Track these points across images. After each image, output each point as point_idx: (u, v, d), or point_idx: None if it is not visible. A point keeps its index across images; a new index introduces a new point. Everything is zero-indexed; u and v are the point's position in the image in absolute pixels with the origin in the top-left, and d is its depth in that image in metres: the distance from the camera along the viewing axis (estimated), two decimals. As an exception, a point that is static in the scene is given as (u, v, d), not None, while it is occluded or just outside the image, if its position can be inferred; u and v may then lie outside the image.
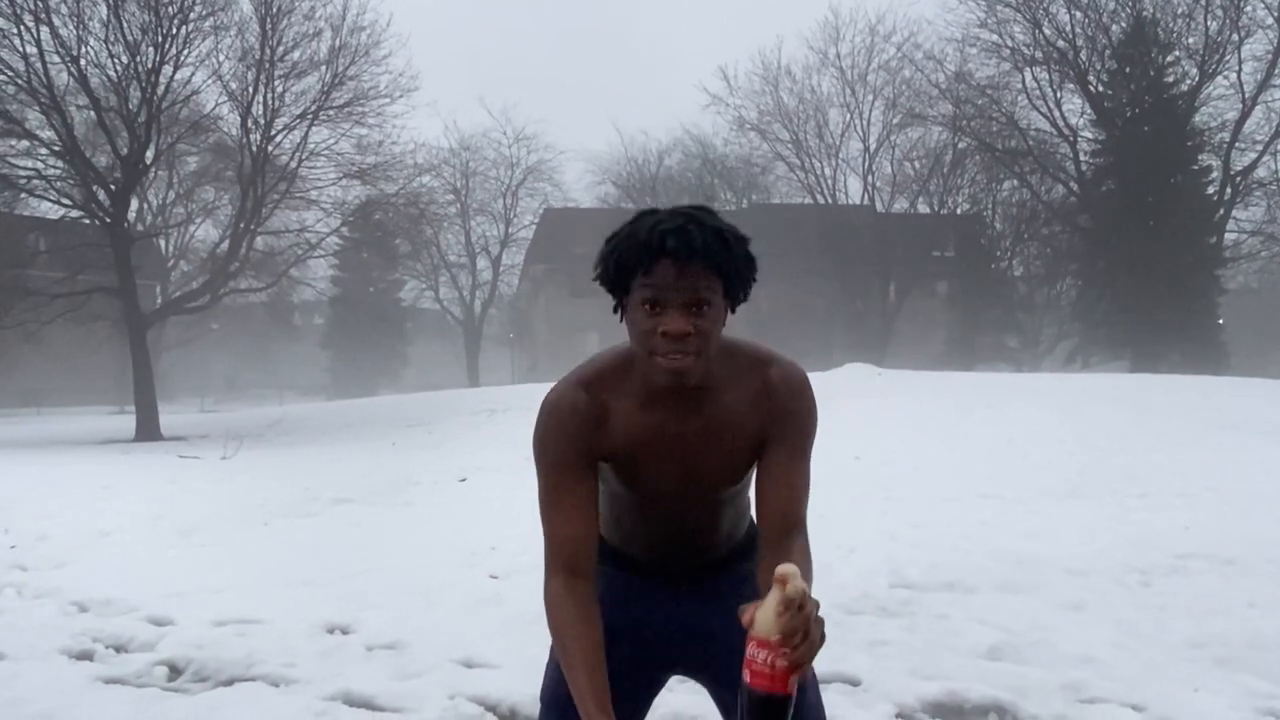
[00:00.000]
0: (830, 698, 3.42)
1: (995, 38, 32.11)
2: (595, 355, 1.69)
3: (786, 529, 1.58)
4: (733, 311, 1.57)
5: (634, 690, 1.72)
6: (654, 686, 1.79)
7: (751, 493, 1.72)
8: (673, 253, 1.46)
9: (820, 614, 1.25)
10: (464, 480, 9.39)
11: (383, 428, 15.95)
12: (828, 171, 39.52)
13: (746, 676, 1.23)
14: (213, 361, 46.63)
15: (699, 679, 1.78)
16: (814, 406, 1.66)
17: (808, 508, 1.63)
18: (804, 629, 1.21)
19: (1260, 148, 30.70)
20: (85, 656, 4.09)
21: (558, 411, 1.61)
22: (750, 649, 1.22)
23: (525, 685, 3.50)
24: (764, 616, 1.21)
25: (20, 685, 3.64)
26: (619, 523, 1.75)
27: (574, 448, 1.60)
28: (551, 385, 1.71)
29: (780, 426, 1.62)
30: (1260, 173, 30.92)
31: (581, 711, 1.49)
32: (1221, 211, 31.22)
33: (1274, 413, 11.89)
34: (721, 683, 1.70)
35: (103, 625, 4.47)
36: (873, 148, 38.85)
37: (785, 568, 1.22)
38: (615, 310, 1.58)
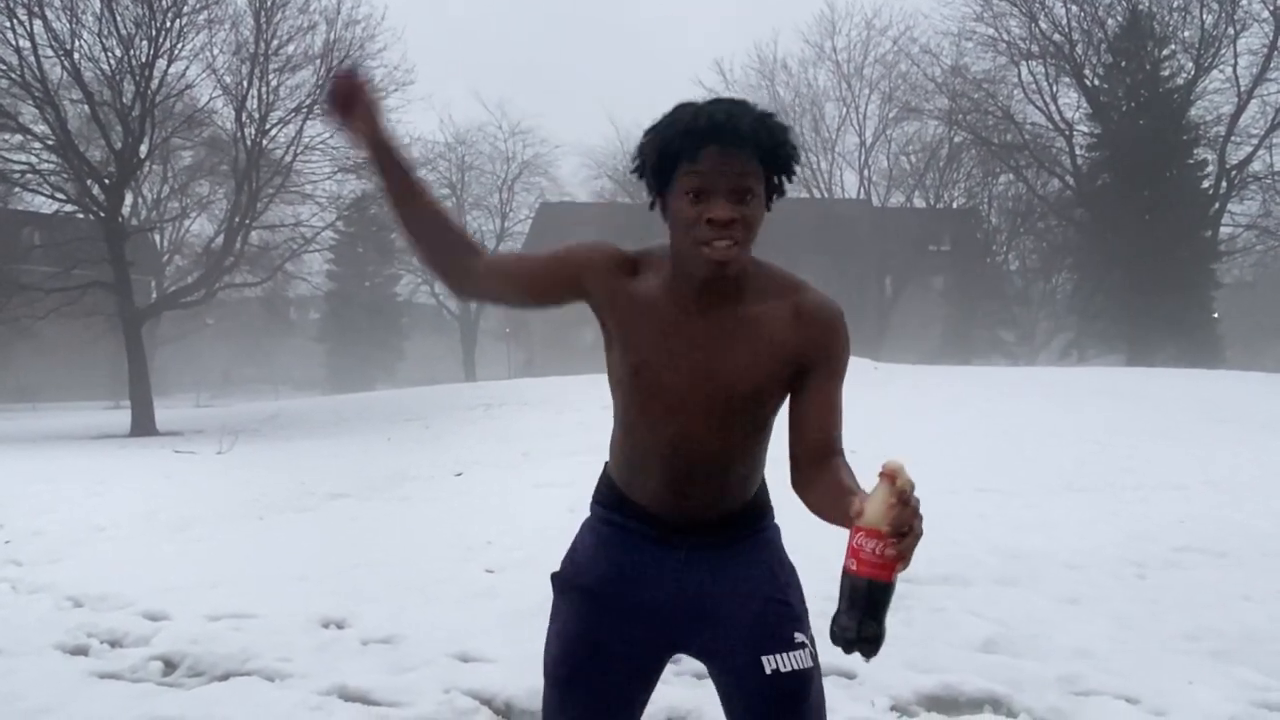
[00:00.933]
0: (826, 690, 3.42)
1: (991, 31, 32.19)
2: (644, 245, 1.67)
3: (828, 452, 1.57)
4: (768, 207, 1.56)
5: (639, 670, 1.71)
6: (659, 666, 1.75)
7: (765, 461, 1.72)
8: (720, 138, 1.45)
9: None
10: (460, 475, 9.38)
11: (379, 422, 15.93)
12: (824, 165, 39.63)
13: (853, 565, 1.28)
14: (208, 356, 46.52)
15: (702, 660, 1.74)
16: (848, 337, 1.64)
17: (842, 433, 1.62)
18: (910, 521, 1.26)
19: (1255, 142, 30.80)
20: (80, 651, 4.07)
21: (597, 244, 1.63)
22: (858, 538, 1.27)
23: (521, 679, 3.50)
24: (874, 509, 1.26)
25: (15, 680, 3.63)
26: (632, 450, 1.68)
27: (587, 260, 1.61)
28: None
29: (820, 351, 1.60)
30: (1255, 166, 31.01)
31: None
32: (1217, 205, 31.29)
33: (1269, 406, 11.92)
34: (725, 668, 1.66)
35: (97, 620, 4.45)
36: (869, 142, 38.98)
37: (893, 462, 1.27)
38: (652, 206, 1.57)
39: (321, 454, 11.98)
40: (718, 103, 1.50)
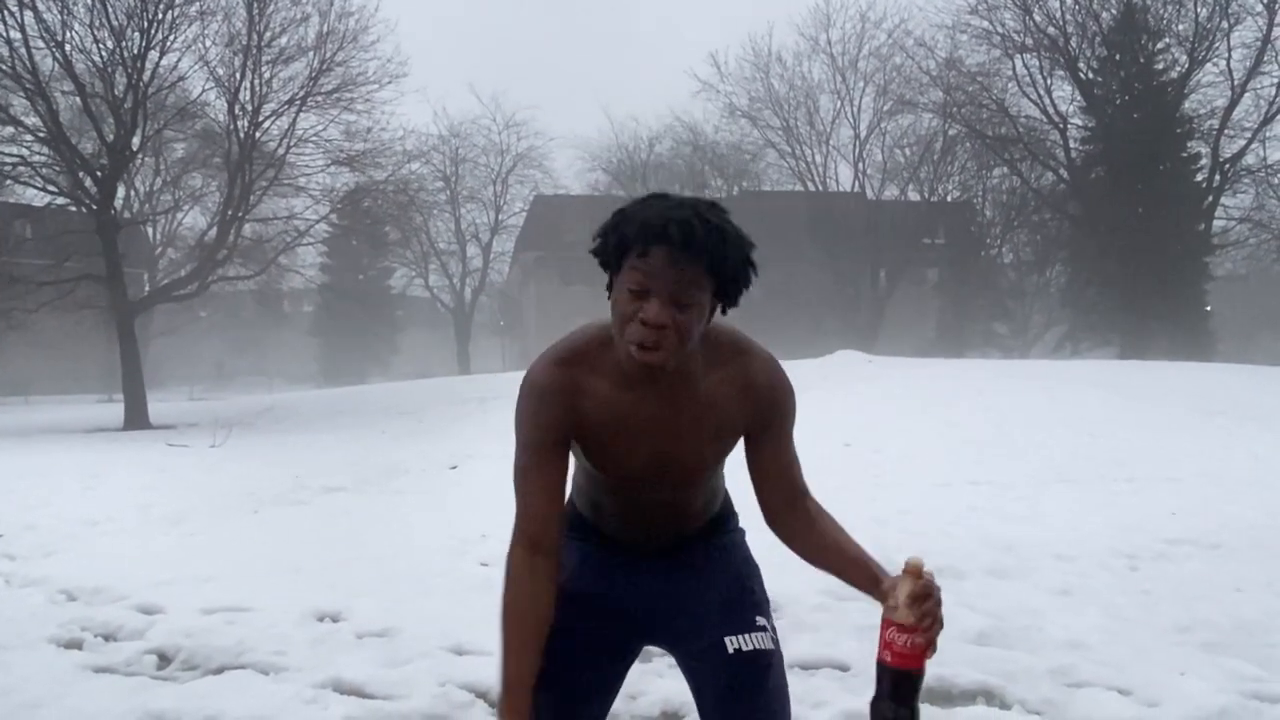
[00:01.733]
0: (820, 682, 3.45)
1: (986, 24, 32.07)
2: (579, 329, 1.67)
3: (795, 495, 1.67)
4: (724, 312, 1.58)
5: (602, 660, 1.76)
6: (626, 657, 1.81)
7: (724, 476, 1.80)
8: (671, 241, 1.44)
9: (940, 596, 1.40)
10: (454, 468, 9.38)
11: (373, 416, 15.92)
12: (818, 159, 39.55)
13: (888, 658, 1.42)
14: (201, 349, 46.40)
15: (669, 650, 1.80)
16: (792, 391, 1.70)
17: (803, 476, 1.70)
18: (935, 613, 1.39)
19: (1249, 135, 30.75)
20: (74, 645, 4.07)
21: (535, 391, 1.61)
22: (890, 633, 1.41)
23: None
24: (901, 605, 1.40)
25: (8, 674, 3.63)
26: (595, 502, 1.77)
27: (548, 428, 1.60)
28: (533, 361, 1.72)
29: (767, 418, 1.65)
30: (1249, 160, 30.96)
31: (507, 697, 1.55)
32: (1210, 198, 31.29)
33: (1261, 398, 11.97)
34: (691, 652, 1.73)
35: (91, 614, 4.45)
36: (863, 135, 38.85)
37: (915, 560, 1.40)
38: (608, 288, 1.56)
39: (315, 447, 11.98)
40: (684, 204, 1.48)
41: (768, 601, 1.79)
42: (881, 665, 1.43)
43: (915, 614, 1.38)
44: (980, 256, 37.19)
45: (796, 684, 3.44)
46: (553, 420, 1.60)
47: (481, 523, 6.27)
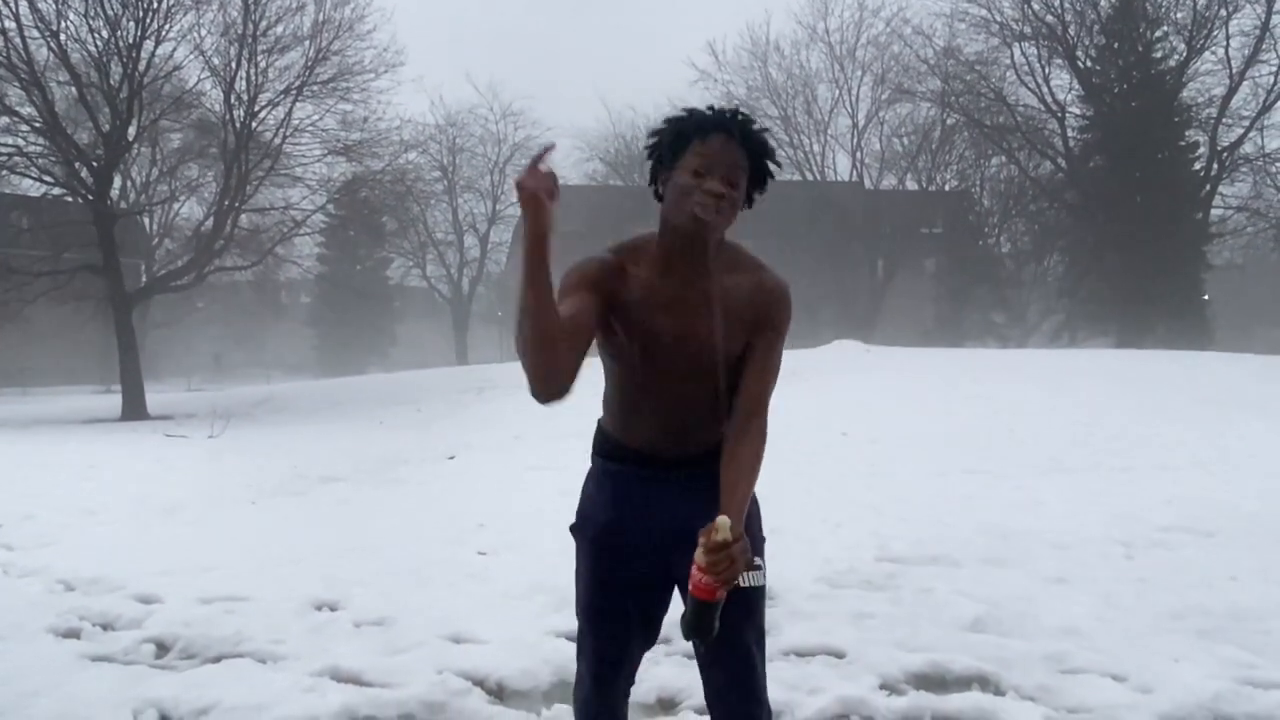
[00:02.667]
0: (815, 669, 3.47)
1: (984, 12, 32.04)
2: (631, 236, 2.00)
3: (755, 408, 1.94)
4: (749, 204, 1.93)
5: (641, 594, 2.07)
6: (665, 591, 2.09)
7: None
8: (729, 130, 1.85)
9: (743, 544, 1.74)
10: (452, 458, 9.38)
11: (371, 406, 15.92)
12: (816, 148, 39.49)
13: (690, 588, 1.77)
14: (199, 340, 46.31)
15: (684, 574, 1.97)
16: (791, 306, 2.02)
17: (773, 393, 1.98)
18: (728, 561, 1.72)
19: (1247, 123, 30.75)
20: (72, 634, 4.08)
21: (586, 260, 1.94)
22: (694, 571, 1.75)
23: (513, 660, 3.52)
24: (700, 554, 1.74)
25: (7, 663, 3.64)
26: (626, 406, 2.04)
27: (585, 277, 1.90)
28: None
29: (769, 319, 1.96)
30: (1247, 148, 30.98)
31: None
32: (1208, 187, 31.30)
33: (1257, 387, 11.99)
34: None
35: (89, 603, 4.46)
36: (861, 124, 38.82)
37: (720, 522, 1.73)
38: (651, 182, 1.93)
39: (313, 438, 11.98)
40: (731, 110, 1.89)
41: (764, 539, 2.07)
42: (687, 595, 1.79)
43: (708, 561, 1.72)
44: (978, 246, 37.15)
45: (791, 671, 3.48)
46: (592, 276, 1.90)
47: (479, 512, 6.29)
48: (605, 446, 2.12)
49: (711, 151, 1.83)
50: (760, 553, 2.01)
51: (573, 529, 2.14)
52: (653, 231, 1.95)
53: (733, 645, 1.97)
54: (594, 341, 1.91)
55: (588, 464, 2.18)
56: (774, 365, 1.98)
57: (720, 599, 1.77)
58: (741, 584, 1.86)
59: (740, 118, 1.87)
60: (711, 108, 1.90)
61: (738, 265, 1.96)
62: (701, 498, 1.91)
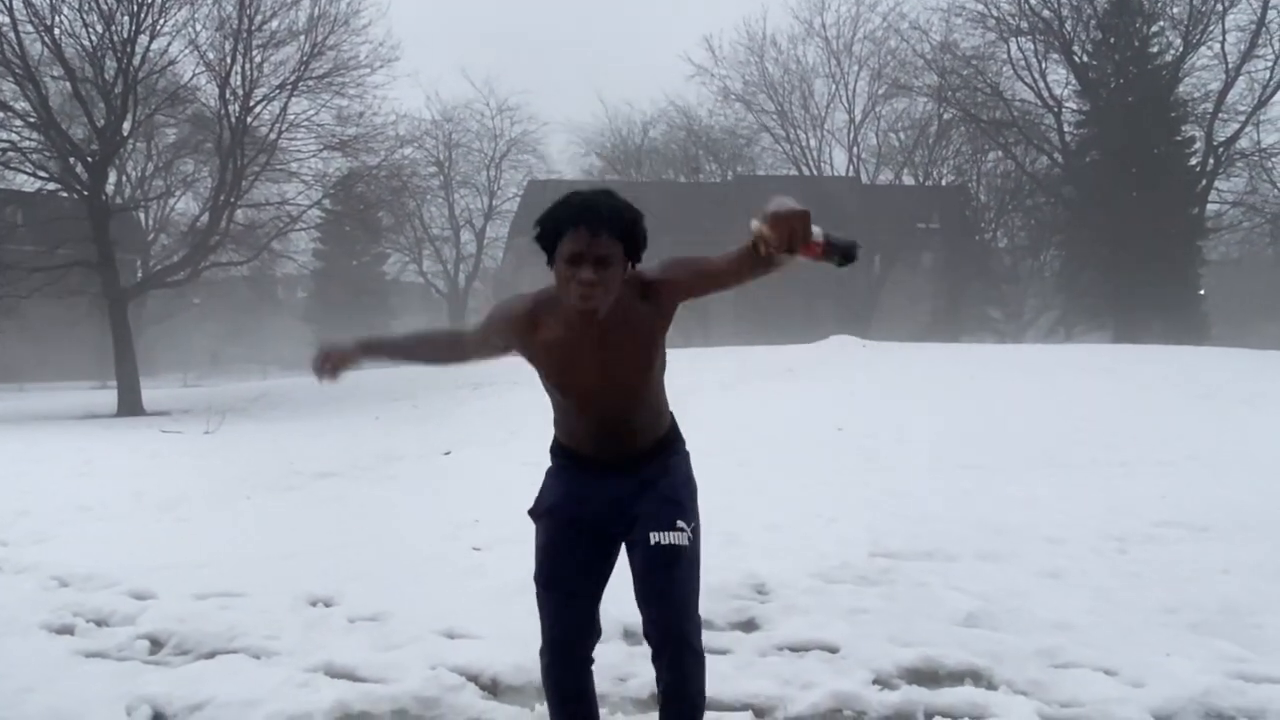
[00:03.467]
0: (808, 664, 3.47)
1: (981, 7, 31.94)
2: (550, 285, 2.26)
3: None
4: (636, 264, 2.21)
5: (585, 558, 2.41)
6: (606, 554, 2.44)
7: (668, 403, 2.47)
8: (586, 220, 2.11)
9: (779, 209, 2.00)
10: (448, 454, 9.38)
11: (366, 402, 15.89)
12: (813, 143, 39.37)
13: (808, 256, 2.07)
14: (195, 336, 46.20)
15: (625, 542, 2.40)
16: (663, 261, 2.28)
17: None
18: (787, 229, 1.98)
19: (1243, 118, 30.70)
20: (66, 631, 4.08)
21: (506, 306, 2.37)
22: (771, 244, 2.00)
23: (507, 655, 3.52)
24: (771, 237, 1.99)
25: (1, 660, 3.63)
26: (568, 428, 2.42)
27: (498, 327, 2.34)
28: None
29: (671, 288, 2.23)
30: (1242, 143, 30.95)
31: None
32: (1204, 182, 31.30)
33: (1253, 382, 12.00)
34: (631, 544, 2.36)
35: (84, 600, 4.46)
36: (858, 119, 38.69)
37: (752, 227, 2.01)
38: (548, 264, 2.20)
39: (309, 433, 11.97)
40: (592, 194, 2.16)
41: (695, 512, 2.40)
42: (818, 257, 2.07)
43: (776, 235, 1.97)
44: (974, 241, 37.14)
45: (785, 666, 3.49)
46: (504, 326, 2.33)
47: (474, 508, 6.29)
48: (558, 450, 2.50)
49: (577, 243, 2.10)
50: (687, 521, 2.34)
51: (531, 513, 2.50)
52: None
53: (657, 590, 2.32)
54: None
55: (550, 443, 2.55)
56: (702, 262, 2.24)
57: (819, 247, 2.04)
58: (662, 541, 2.26)
59: (590, 209, 2.11)
60: (574, 199, 2.15)
61: (626, 291, 2.20)
62: (637, 482, 2.35)
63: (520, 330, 2.28)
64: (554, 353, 2.26)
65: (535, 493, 2.52)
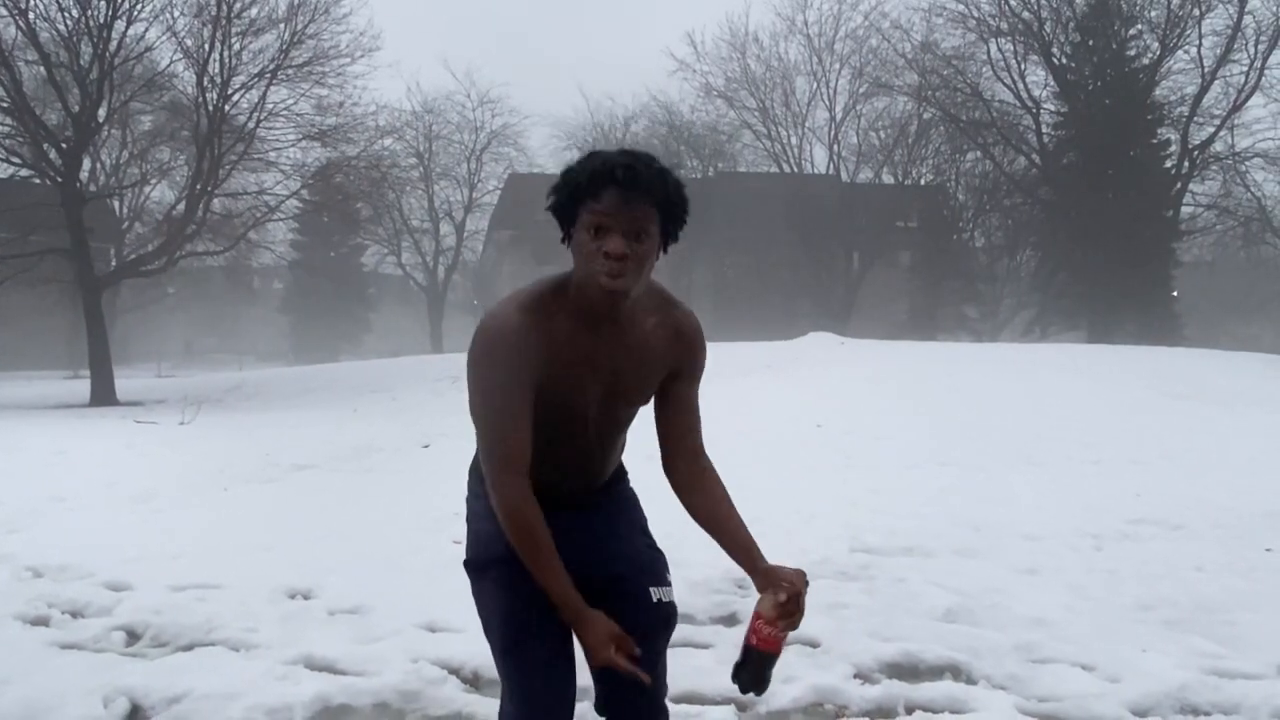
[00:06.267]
0: (790, 659, 3.48)
1: (961, 8, 32.10)
2: (533, 281, 1.84)
3: (699, 448, 1.96)
4: (665, 250, 1.78)
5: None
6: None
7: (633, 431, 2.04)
8: (621, 182, 1.67)
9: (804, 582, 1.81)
10: (427, 446, 9.35)
11: (344, 394, 15.81)
12: (794, 140, 39.55)
13: (754, 640, 1.80)
14: (170, 326, 45.83)
15: (604, 587, 1.94)
16: (707, 348, 1.97)
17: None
18: (795, 619, 1.78)
19: (1218, 122, 31.11)
20: (41, 622, 4.02)
21: (503, 336, 1.76)
22: (759, 624, 1.79)
23: (488, 649, 3.51)
24: (768, 607, 1.78)
25: (-26, 651, 3.59)
26: (536, 456, 1.85)
27: (520, 368, 1.76)
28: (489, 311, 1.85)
29: (690, 364, 1.93)
30: (1217, 147, 31.31)
31: (570, 603, 1.79)
32: (1179, 185, 31.65)
33: (1225, 382, 12.17)
34: (620, 593, 1.94)
35: (58, 590, 4.40)
36: (838, 117, 38.93)
37: (779, 573, 1.82)
38: (563, 240, 1.76)
39: (286, 425, 11.88)
40: (623, 153, 1.72)
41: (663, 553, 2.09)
42: (748, 645, 1.81)
43: (782, 613, 1.77)
44: (952, 240, 37.38)
45: (767, 660, 3.49)
46: (524, 361, 1.76)
47: (454, 501, 6.22)
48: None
49: (606, 208, 1.67)
50: (668, 568, 2.06)
51: (470, 565, 2.01)
52: (559, 277, 1.81)
53: (653, 656, 1.95)
54: None
55: (468, 476, 2.12)
56: (697, 407, 1.98)
57: (782, 649, 1.82)
58: (663, 599, 1.98)
59: (628, 168, 1.68)
60: (605, 157, 1.71)
61: (650, 306, 1.86)
62: (592, 520, 1.98)
63: (534, 346, 1.77)
64: (561, 360, 1.79)
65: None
